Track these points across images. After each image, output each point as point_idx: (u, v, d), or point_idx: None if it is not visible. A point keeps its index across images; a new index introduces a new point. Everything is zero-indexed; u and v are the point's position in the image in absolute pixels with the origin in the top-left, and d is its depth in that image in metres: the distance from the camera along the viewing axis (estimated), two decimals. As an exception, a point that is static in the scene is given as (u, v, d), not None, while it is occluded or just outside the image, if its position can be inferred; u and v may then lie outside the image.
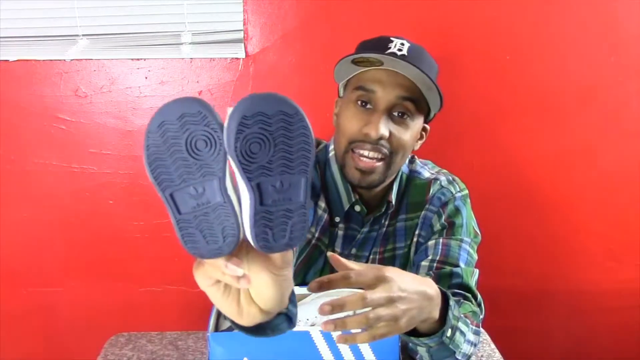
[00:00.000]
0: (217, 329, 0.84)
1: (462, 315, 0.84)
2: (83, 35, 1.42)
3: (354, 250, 1.07)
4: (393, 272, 0.68)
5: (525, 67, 1.49)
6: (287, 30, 1.44)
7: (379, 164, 0.97)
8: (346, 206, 1.04)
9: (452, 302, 0.79)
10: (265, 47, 1.46)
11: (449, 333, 0.79)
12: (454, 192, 1.07)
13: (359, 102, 0.97)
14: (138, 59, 1.46)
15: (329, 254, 0.70)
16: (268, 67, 1.47)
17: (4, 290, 1.59)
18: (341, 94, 1.06)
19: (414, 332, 0.78)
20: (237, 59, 1.45)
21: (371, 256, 1.08)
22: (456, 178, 1.11)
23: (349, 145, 0.98)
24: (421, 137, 1.05)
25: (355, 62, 0.96)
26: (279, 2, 1.43)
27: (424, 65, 0.95)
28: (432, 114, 1.03)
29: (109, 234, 1.57)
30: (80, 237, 1.56)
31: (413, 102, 0.96)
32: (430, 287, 0.74)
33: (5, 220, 1.55)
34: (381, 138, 0.95)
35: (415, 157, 1.15)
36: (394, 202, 1.06)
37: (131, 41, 1.43)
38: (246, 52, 1.45)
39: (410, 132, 0.98)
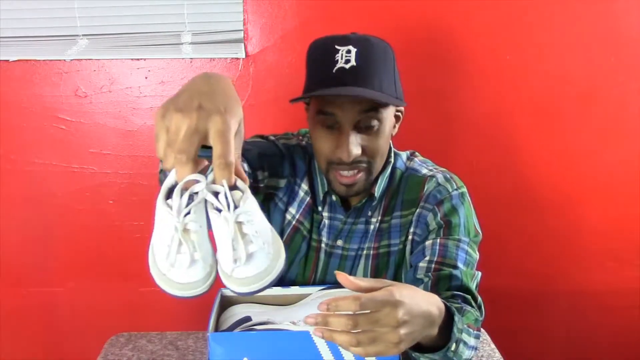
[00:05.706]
0: (217, 329, 0.84)
1: (465, 326, 0.83)
2: (83, 35, 1.42)
3: (340, 242, 1.07)
4: (404, 294, 0.66)
5: (525, 67, 1.49)
6: (287, 30, 1.44)
7: (360, 174, 0.99)
8: (321, 195, 1.07)
9: (457, 318, 0.79)
10: (265, 47, 1.46)
11: (453, 347, 0.79)
12: (450, 190, 1.05)
13: (324, 126, 0.98)
14: (138, 59, 1.46)
15: (336, 272, 0.68)
16: (268, 67, 1.47)
17: (4, 290, 1.59)
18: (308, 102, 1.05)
19: (418, 348, 0.78)
20: (237, 59, 1.45)
21: (365, 251, 1.08)
22: (454, 176, 1.09)
23: (328, 165, 0.99)
24: (397, 120, 1.05)
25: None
26: (279, 2, 1.43)
27: (376, 76, 0.94)
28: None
29: (109, 234, 1.57)
30: (80, 237, 1.56)
31: (376, 111, 0.96)
32: (436, 308, 0.73)
33: (6, 220, 1.55)
34: (355, 157, 0.96)
35: (416, 154, 1.14)
36: (377, 195, 1.06)
37: (131, 41, 1.43)
38: (246, 52, 1.45)
39: (382, 135, 0.98)
